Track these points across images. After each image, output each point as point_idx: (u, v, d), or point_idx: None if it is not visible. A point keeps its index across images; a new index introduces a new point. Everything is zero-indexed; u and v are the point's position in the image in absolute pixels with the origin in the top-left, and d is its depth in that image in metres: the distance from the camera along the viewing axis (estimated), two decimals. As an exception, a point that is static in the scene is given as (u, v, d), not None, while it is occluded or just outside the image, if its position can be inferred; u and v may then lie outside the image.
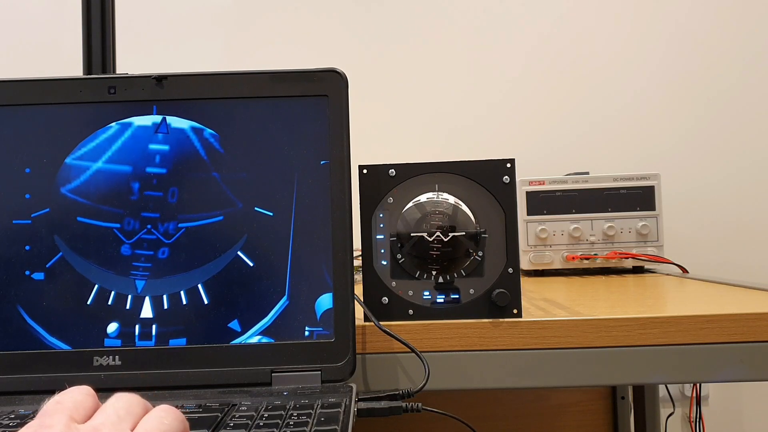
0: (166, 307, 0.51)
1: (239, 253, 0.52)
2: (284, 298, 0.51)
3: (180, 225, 0.52)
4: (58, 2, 1.29)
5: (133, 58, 1.09)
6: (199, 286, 0.52)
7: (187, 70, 0.54)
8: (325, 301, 0.51)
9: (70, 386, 0.31)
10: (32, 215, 0.52)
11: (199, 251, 0.52)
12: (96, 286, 0.51)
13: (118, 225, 0.52)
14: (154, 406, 0.32)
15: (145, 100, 0.53)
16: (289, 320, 0.51)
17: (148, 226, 0.52)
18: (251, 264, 0.52)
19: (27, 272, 0.52)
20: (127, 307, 0.51)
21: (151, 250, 0.52)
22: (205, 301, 0.51)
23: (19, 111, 0.53)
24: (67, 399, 0.30)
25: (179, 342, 0.51)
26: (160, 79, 0.53)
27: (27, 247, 0.52)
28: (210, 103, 0.53)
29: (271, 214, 0.52)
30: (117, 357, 0.50)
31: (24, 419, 0.42)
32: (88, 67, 0.87)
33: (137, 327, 0.51)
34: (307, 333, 0.51)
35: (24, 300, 0.51)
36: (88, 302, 0.51)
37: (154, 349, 0.51)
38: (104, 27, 0.87)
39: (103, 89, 0.53)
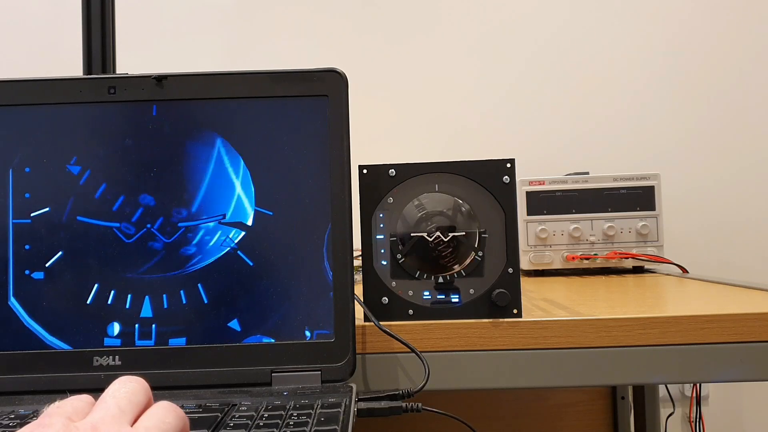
0: (165, 306, 0.51)
1: (239, 252, 0.52)
2: (284, 298, 0.51)
3: (179, 224, 0.52)
4: (58, 2, 1.29)
5: (133, 58, 1.09)
6: (199, 285, 0.52)
7: (187, 70, 0.54)
8: (326, 301, 0.51)
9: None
10: (32, 214, 0.52)
11: (198, 250, 0.52)
12: (96, 285, 0.51)
13: (117, 224, 0.52)
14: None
15: (145, 100, 0.53)
16: (289, 320, 0.51)
17: (148, 226, 0.52)
18: (250, 263, 0.52)
19: (27, 271, 0.52)
20: (127, 306, 0.51)
21: (150, 250, 0.52)
22: (205, 301, 0.51)
23: (19, 111, 0.53)
24: (67, 404, 0.30)
25: (179, 341, 0.51)
26: (160, 79, 0.53)
27: (27, 247, 0.52)
28: (210, 103, 0.53)
29: (270, 213, 0.52)
30: (117, 357, 0.50)
31: (24, 419, 0.42)
32: (88, 67, 0.87)
33: (137, 326, 0.51)
34: (307, 333, 0.51)
35: (23, 299, 0.51)
36: (88, 302, 0.51)
37: (154, 349, 0.51)
38: (104, 27, 0.87)
39: (103, 89, 0.53)
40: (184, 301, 0.51)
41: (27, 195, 0.52)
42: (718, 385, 1.24)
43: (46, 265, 0.52)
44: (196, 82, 0.53)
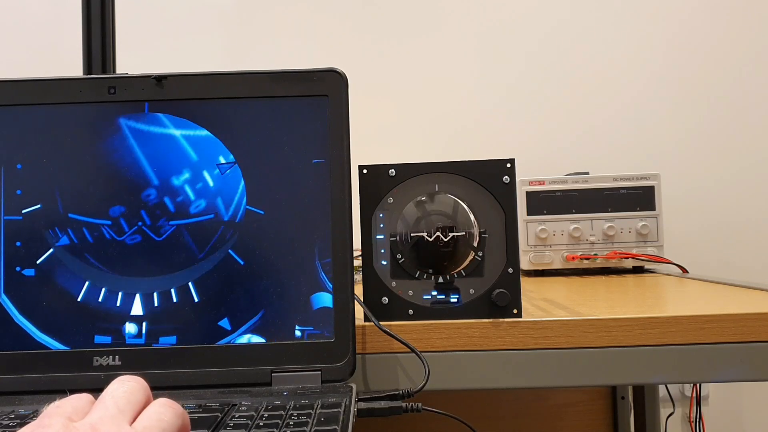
0: (156, 305, 0.51)
1: (230, 251, 0.52)
2: (274, 297, 0.51)
3: (171, 223, 0.52)
4: (58, 2, 1.29)
5: (133, 58, 1.09)
6: (190, 284, 0.51)
7: (187, 70, 0.54)
8: (320, 301, 0.51)
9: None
10: (23, 211, 0.52)
11: (189, 249, 0.52)
12: (86, 283, 0.51)
13: (109, 222, 0.52)
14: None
15: (144, 100, 0.53)
16: (278, 319, 0.51)
17: (139, 224, 0.52)
18: (242, 263, 0.52)
19: (18, 268, 0.51)
20: (117, 304, 0.51)
21: (141, 248, 0.52)
22: (195, 300, 0.51)
23: (19, 111, 0.53)
24: (66, 403, 0.30)
25: (169, 340, 0.51)
26: (160, 79, 0.53)
27: (18, 244, 0.52)
28: (210, 103, 0.53)
29: (262, 212, 0.52)
30: (117, 357, 0.50)
31: (24, 419, 0.42)
32: (88, 67, 0.87)
33: (127, 324, 0.51)
34: (297, 332, 0.51)
35: (14, 296, 0.51)
36: (79, 299, 0.51)
37: (155, 350, 0.50)
38: (104, 27, 0.87)
39: (103, 89, 0.53)
40: (174, 300, 0.51)
41: (18, 192, 0.52)
42: (718, 385, 1.24)
43: (37, 262, 0.52)
44: (196, 82, 0.53)
